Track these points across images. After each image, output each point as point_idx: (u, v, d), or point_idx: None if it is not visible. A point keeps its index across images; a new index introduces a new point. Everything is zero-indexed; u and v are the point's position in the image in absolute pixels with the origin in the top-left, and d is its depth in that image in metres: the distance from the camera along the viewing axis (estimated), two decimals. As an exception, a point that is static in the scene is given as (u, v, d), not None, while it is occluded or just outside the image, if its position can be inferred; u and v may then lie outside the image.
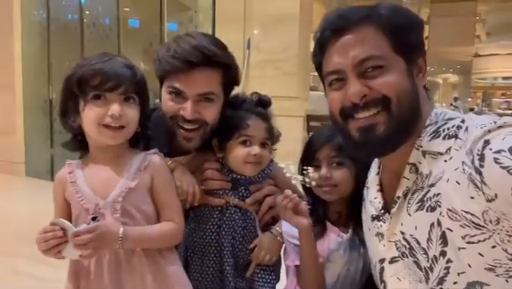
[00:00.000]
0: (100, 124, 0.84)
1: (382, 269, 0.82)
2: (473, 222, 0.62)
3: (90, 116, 0.85)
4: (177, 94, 0.96)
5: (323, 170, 0.94)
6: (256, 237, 0.99)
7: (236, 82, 1.04)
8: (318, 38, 0.79)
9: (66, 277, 0.91)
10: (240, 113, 0.99)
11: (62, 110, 0.90)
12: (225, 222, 0.98)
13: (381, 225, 0.82)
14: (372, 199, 0.86)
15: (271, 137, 1.01)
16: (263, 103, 1.03)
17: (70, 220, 0.87)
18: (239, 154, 0.97)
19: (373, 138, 0.74)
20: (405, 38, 0.74)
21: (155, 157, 0.93)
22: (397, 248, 0.78)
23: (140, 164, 0.90)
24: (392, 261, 0.79)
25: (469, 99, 9.10)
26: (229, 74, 1.00)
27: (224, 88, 1.00)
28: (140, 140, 0.95)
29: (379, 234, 0.82)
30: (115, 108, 0.84)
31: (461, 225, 0.64)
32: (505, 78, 11.41)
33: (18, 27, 4.82)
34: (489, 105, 8.78)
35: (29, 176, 4.80)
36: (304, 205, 0.91)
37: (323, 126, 1.07)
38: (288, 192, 0.89)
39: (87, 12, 4.62)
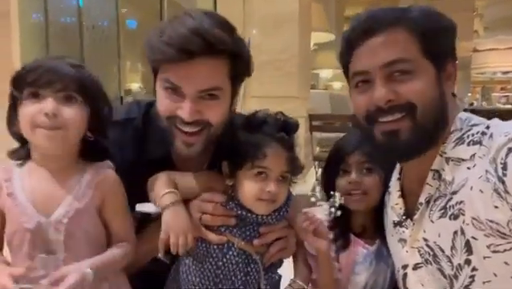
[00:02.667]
0: (34, 125, 0.74)
1: (405, 275, 0.82)
2: (498, 231, 0.62)
3: (24, 115, 0.75)
4: (174, 90, 0.78)
5: (353, 175, 0.91)
6: (260, 283, 0.85)
7: (247, 72, 0.86)
8: (347, 38, 0.78)
9: None
10: (258, 137, 0.80)
11: (8, 117, 0.80)
12: (225, 265, 0.82)
13: (403, 232, 0.81)
14: (394, 205, 0.86)
15: (292, 169, 0.83)
16: (288, 127, 0.83)
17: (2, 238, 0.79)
18: (251, 189, 0.80)
19: (397, 143, 0.73)
20: (436, 42, 0.73)
21: (108, 172, 0.82)
22: (420, 254, 0.77)
23: (91, 180, 0.79)
24: (416, 267, 0.79)
25: (469, 94, 9.11)
26: (239, 63, 0.81)
27: (232, 81, 0.82)
28: (94, 151, 0.82)
29: (402, 240, 0.82)
30: (48, 105, 0.73)
31: (485, 235, 0.64)
32: (504, 72, 11.41)
33: (17, 31, 4.80)
34: (488, 100, 8.82)
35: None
36: (324, 227, 0.86)
37: (352, 132, 1.00)
38: (309, 213, 0.85)
39: (85, 15, 4.60)
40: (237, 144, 0.81)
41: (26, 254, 0.77)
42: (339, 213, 0.87)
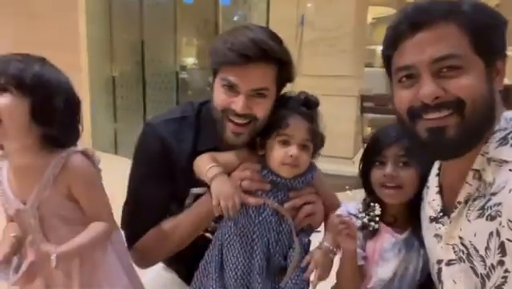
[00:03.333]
0: None
1: (440, 270, 0.82)
2: None
3: None
4: (230, 87, 0.93)
5: (389, 168, 0.91)
6: (291, 243, 0.95)
7: (290, 79, 0.99)
8: (392, 31, 0.76)
9: None
10: (282, 111, 0.94)
11: None
12: (261, 223, 0.93)
13: (439, 228, 0.81)
14: (431, 200, 0.85)
15: (314, 139, 0.95)
16: (309, 103, 0.96)
17: None
18: (276, 154, 0.93)
19: (442, 140, 0.71)
20: (487, 38, 0.70)
21: (73, 159, 0.87)
22: (455, 252, 0.77)
23: (53, 170, 0.86)
24: (449, 263, 0.79)
25: None
26: (284, 70, 0.96)
27: (277, 85, 0.97)
28: (51, 141, 0.87)
29: (438, 236, 0.82)
30: (6, 106, 0.79)
31: None
32: None
33: (83, 9, 5.10)
34: None
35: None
36: (355, 230, 0.90)
37: (391, 123, 0.98)
38: (345, 216, 0.89)
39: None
40: (269, 120, 0.95)
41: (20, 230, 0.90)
42: (376, 226, 0.93)
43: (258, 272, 0.91)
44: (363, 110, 3.63)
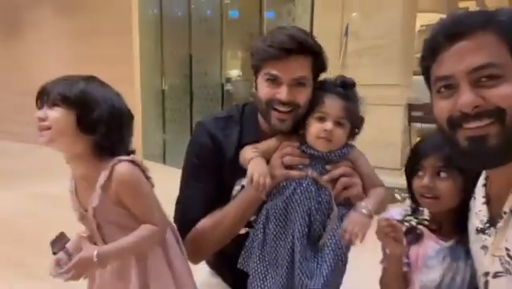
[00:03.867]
0: (37, 130, 0.95)
1: (486, 282, 0.79)
2: None
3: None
4: (273, 80, 1.02)
5: (426, 179, 0.91)
6: (330, 213, 1.00)
7: (324, 68, 1.08)
8: (430, 42, 0.76)
9: None
10: (320, 92, 1.03)
11: None
12: (302, 192, 0.99)
13: (486, 239, 0.79)
14: (477, 211, 0.83)
15: (349, 117, 1.01)
16: (344, 83, 1.04)
17: None
18: (313, 129, 1.01)
19: (484, 149, 0.70)
20: None
21: (119, 168, 0.95)
22: (501, 263, 0.74)
23: (101, 179, 0.95)
24: (496, 275, 0.76)
25: None
26: (319, 60, 1.05)
27: (314, 74, 1.05)
28: (102, 149, 0.97)
29: (485, 247, 0.80)
30: (39, 111, 0.95)
31: None
32: None
33: (136, 25, 5.42)
34: None
35: (145, 158, 5.42)
36: (402, 234, 0.90)
37: (434, 132, 0.98)
38: (391, 219, 0.90)
39: (193, 7, 4.97)
40: (312, 102, 1.03)
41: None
42: (424, 230, 0.93)
43: (299, 238, 0.97)
44: (411, 119, 3.53)
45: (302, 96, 1.02)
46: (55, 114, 0.94)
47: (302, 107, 1.02)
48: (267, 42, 1.00)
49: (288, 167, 1.02)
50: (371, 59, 3.67)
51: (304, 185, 1.00)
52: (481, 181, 0.85)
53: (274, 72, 1.01)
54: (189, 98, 5.02)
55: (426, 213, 0.95)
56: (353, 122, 1.03)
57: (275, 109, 1.02)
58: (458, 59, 0.71)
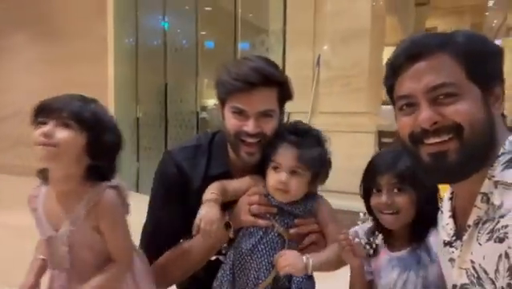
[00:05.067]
0: (35, 144, 0.90)
1: None
2: None
3: (34, 138, 0.91)
4: (240, 113, 1.01)
5: (384, 197, 0.95)
6: None
7: (289, 96, 1.09)
8: (392, 63, 0.80)
9: None
10: (275, 140, 1.01)
11: None
12: (267, 242, 0.99)
13: (453, 252, 0.81)
14: (444, 224, 0.86)
15: (306, 165, 0.98)
16: (297, 131, 1.02)
17: None
18: (269, 179, 1.00)
19: (444, 164, 0.73)
20: (481, 66, 0.73)
21: (106, 194, 0.94)
22: (467, 276, 0.77)
23: (87, 203, 0.93)
24: (463, 287, 0.78)
25: None
26: (284, 90, 1.06)
27: (279, 104, 1.06)
28: (96, 174, 0.96)
29: (452, 260, 0.82)
30: (44, 127, 0.90)
31: None
32: None
33: (112, 53, 5.43)
34: None
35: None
36: (360, 249, 0.94)
37: (385, 150, 1.05)
38: (348, 236, 0.93)
39: (169, 37, 5.05)
40: (265, 150, 1.03)
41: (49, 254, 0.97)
42: (371, 252, 0.98)
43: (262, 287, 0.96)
44: (382, 145, 3.64)
45: (270, 127, 1.03)
46: (66, 135, 0.91)
47: (268, 136, 1.02)
48: (232, 75, 1.00)
49: (254, 214, 1.02)
50: (341, 88, 3.80)
51: (270, 236, 1.00)
52: (448, 195, 0.88)
53: (240, 106, 1.00)
54: (164, 125, 5.01)
55: (379, 239, 0.99)
56: (313, 169, 1.00)
57: (243, 141, 1.03)
58: (417, 79, 0.74)
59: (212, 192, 1.00)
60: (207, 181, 1.06)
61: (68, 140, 0.91)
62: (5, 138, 5.96)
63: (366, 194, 1.00)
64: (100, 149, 0.94)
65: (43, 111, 0.93)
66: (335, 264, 1.00)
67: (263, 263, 0.98)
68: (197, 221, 0.95)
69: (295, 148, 0.99)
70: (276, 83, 1.03)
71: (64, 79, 5.47)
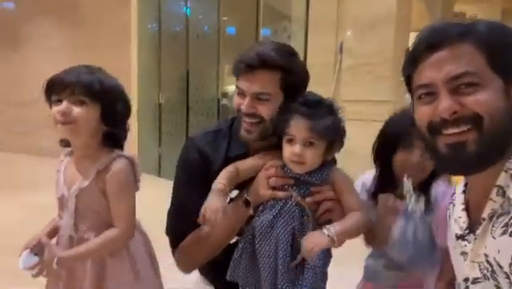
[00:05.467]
0: (56, 122, 0.98)
1: (467, 288, 0.81)
2: None
3: (53, 118, 0.98)
4: (241, 93, 1.07)
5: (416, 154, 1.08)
6: None
7: (297, 86, 1.08)
8: (411, 52, 0.79)
9: None
10: (288, 114, 1.02)
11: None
12: (286, 212, 1.02)
13: (465, 245, 0.81)
14: (457, 217, 0.85)
15: (320, 135, 0.99)
16: (307, 102, 1.02)
17: None
18: (285, 152, 1.02)
19: (462, 155, 0.73)
20: (504, 56, 0.72)
21: (118, 163, 1.01)
22: (480, 269, 0.76)
23: (100, 165, 1.00)
24: (475, 281, 0.78)
25: None
26: (289, 78, 1.06)
27: (284, 90, 1.06)
28: (111, 139, 1.04)
29: (464, 253, 0.82)
30: (60, 106, 0.97)
31: None
32: None
33: (135, 39, 5.49)
34: None
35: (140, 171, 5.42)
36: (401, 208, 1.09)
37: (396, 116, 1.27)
38: (396, 202, 1.08)
39: (191, 23, 5.06)
40: (279, 123, 1.04)
41: (59, 215, 1.05)
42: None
43: (282, 256, 0.99)
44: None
45: (265, 110, 1.05)
46: (81, 111, 0.98)
47: (267, 120, 1.05)
48: (239, 58, 1.07)
49: (273, 187, 1.04)
50: (364, 75, 3.73)
51: (288, 205, 1.02)
52: (461, 188, 0.87)
53: (241, 86, 1.07)
54: (186, 112, 5.06)
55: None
56: (327, 138, 1.01)
57: (244, 120, 1.07)
58: (437, 68, 0.73)
59: (219, 181, 1.03)
60: (228, 162, 1.10)
61: (84, 116, 0.98)
62: (31, 121, 6.17)
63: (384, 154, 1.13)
64: (114, 117, 1.02)
65: (56, 89, 0.98)
66: (356, 231, 1.04)
67: (283, 233, 1.00)
68: (202, 210, 0.98)
69: (307, 119, 0.99)
70: (278, 67, 1.04)
71: (89, 65, 5.58)
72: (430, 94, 0.75)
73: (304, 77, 1.10)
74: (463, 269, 0.82)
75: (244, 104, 1.05)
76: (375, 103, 3.62)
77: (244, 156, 1.12)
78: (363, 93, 3.70)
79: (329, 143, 1.02)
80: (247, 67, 1.04)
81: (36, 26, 6.47)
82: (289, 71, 1.05)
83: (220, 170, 1.09)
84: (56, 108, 0.97)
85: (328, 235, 0.96)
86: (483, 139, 0.71)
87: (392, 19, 3.66)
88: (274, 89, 1.06)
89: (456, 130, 0.72)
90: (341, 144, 1.05)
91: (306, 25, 4.08)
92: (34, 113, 5.90)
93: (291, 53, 1.09)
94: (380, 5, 3.70)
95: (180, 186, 1.17)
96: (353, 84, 3.77)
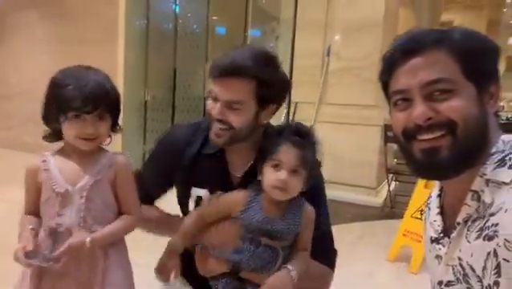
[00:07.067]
0: (77, 137, 1.00)
1: None
2: None
3: (69, 131, 1.00)
4: (214, 98, 1.05)
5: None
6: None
7: (274, 97, 1.07)
8: (387, 59, 0.80)
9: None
10: (277, 140, 1.02)
11: (45, 114, 1.04)
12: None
13: (440, 249, 0.82)
14: (432, 221, 0.87)
15: (305, 165, 1.00)
16: (300, 132, 1.03)
17: (38, 204, 1.05)
18: (269, 176, 0.99)
19: (436, 161, 0.74)
20: (478, 63, 0.73)
21: (120, 157, 1.07)
22: (453, 273, 0.78)
23: (107, 161, 1.05)
24: (448, 284, 0.80)
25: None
26: (264, 88, 1.03)
27: (258, 100, 1.04)
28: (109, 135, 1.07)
29: (438, 257, 0.83)
30: (90, 129, 1.00)
31: None
32: None
33: (122, 36, 5.42)
34: None
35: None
36: None
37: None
38: None
39: (180, 21, 5.03)
40: (264, 147, 1.04)
41: (56, 213, 1.02)
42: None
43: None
44: (387, 140, 3.61)
45: (236, 119, 1.03)
46: (105, 126, 1.03)
47: (237, 129, 1.03)
48: (215, 62, 1.04)
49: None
50: (351, 79, 3.77)
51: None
52: (436, 192, 0.88)
53: (214, 90, 1.04)
54: (171, 110, 5.04)
55: None
56: (308, 170, 1.02)
57: (214, 125, 1.06)
58: (412, 74, 0.75)
59: (180, 236, 1.04)
60: (200, 158, 1.12)
61: (106, 130, 1.04)
62: (15, 116, 6.04)
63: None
64: (117, 119, 1.07)
65: (78, 106, 0.98)
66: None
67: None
68: (156, 267, 1.02)
69: (298, 148, 0.99)
70: (253, 77, 1.01)
71: (74, 60, 5.47)
72: (405, 100, 0.76)
73: (282, 88, 1.08)
74: (437, 272, 0.83)
75: (215, 110, 1.04)
76: (361, 107, 3.67)
77: (217, 153, 1.12)
78: (350, 97, 3.74)
79: (309, 175, 1.02)
80: (221, 74, 1.02)
81: (24, 16, 6.33)
82: (264, 81, 1.03)
83: (189, 166, 1.12)
84: (80, 126, 0.99)
85: (293, 277, 0.98)
86: (457, 145, 0.72)
87: (379, 25, 3.72)
88: (247, 98, 1.03)
89: (430, 136, 0.73)
90: (318, 176, 1.09)
91: (294, 27, 4.10)
92: (17, 107, 5.78)
93: (270, 62, 1.06)
94: (368, 9, 3.75)
95: (149, 160, 1.23)
96: (340, 88, 3.80)
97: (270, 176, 0.99)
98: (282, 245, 1.01)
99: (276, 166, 0.99)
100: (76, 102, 0.97)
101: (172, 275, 1.02)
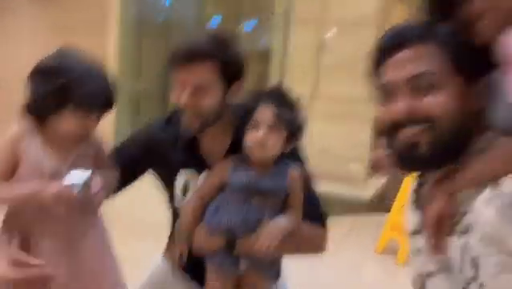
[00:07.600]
0: (76, 134, 0.97)
1: (423, 283, 0.84)
2: (508, 250, 0.62)
3: (67, 126, 0.95)
4: (181, 84, 1.05)
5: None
6: None
7: (237, 74, 1.08)
8: (374, 54, 0.81)
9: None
10: (253, 102, 1.04)
11: (37, 103, 0.94)
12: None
13: (419, 241, 0.83)
14: (410, 216, 0.88)
15: (284, 124, 1.01)
16: (275, 91, 1.06)
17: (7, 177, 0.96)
18: (248, 139, 1.02)
19: (415, 155, 0.75)
20: (466, 57, 0.73)
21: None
22: (433, 263, 0.79)
23: (89, 143, 1.03)
24: (429, 275, 0.81)
25: None
26: (227, 67, 1.05)
27: (223, 80, 1.05)
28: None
29: (418, 250, 0.84)
30: (91, 127, 0.99)
31: (491, 253, 0.64)
32: None
33: (115, 25, 5.34)
34: None
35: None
36: None
37: None
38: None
39: (173, 12, 4.98)
40: (244, 112, 1.04)
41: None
42: None
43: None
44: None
45: (204, 101, 1.04)
46: (96, 126, 1.01)
47: (206, 111, 1.05)
48: (175, 50, 1.05)
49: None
50: (344, 74, 3.79)
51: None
52: (414, 186, 0.89)
53: (179, 78, 1.05)
54: (164, 100, 5.01)
55: None
56: (289, 129, 1.02)
57: (184, 113, 1.07)
58: (398, 68, 0.75)
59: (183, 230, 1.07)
60: (177, 145, 1.13)
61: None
62: (1, 106, 5.95)
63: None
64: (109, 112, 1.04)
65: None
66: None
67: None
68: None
69: (274, 105, 1.01)
70: (214, 58, 1.02)
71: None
72: (390, 94, 0.77)
73: (242, 63, 1.09)
74: (417, 264, 0.85)
75: (183, 97, 1.03)
76: (354, 102, 3.69)
77: (190, 146, 1.14)
78: (344, 91, 3.75)
79: (289, 134, 1.02)
80: (185, 60, 1.02)
81: (11, 2, 6.21)
82: (227, 60, 1.04)
83: (168, 154, 1.14)
84: (83, 123, 0.96)
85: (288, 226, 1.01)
86: (436, 140, 0.72)
87: (372, 20, 3.72)
88: (214, 80, 1.04)
89: (410, 130, 0.74)
90: (299, 138, 1.07)
91: (288, 20, 4.09)
92: (3, 97, 5.70)
93: (229, 42, 1.07)
94: (363, 4, 3.75)
95: (131, 137, 1.26)
96: (334, 82, 3.82)
97: (250, 136, 1.01)
98: (273, 204, 1.03)
99: (255, 126, 1.01)
100: (97, 99, 0.96)
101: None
